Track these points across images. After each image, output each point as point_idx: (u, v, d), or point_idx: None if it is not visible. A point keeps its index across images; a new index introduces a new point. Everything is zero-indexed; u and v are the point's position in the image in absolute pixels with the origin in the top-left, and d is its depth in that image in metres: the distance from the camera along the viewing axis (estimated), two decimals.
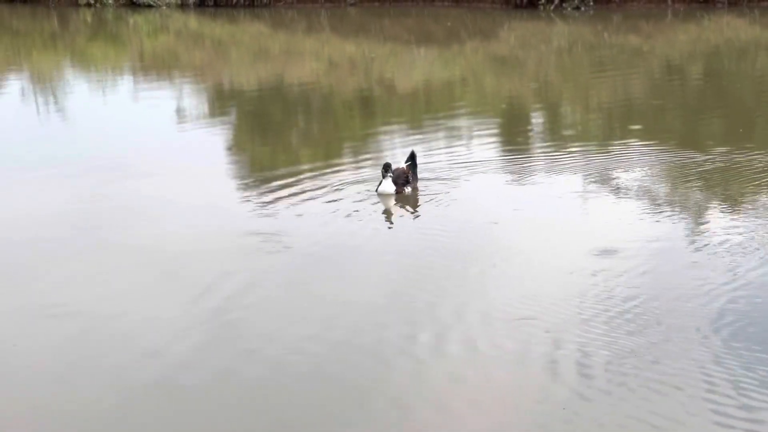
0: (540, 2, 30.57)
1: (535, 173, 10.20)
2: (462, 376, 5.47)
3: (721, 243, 7.60)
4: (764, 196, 9.17)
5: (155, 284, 7.02)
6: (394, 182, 9.15)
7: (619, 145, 11.81)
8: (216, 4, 33.05)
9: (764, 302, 6.37)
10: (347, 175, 10.07)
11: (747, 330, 5.90)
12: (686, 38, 24.89)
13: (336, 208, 8.75)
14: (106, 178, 10.03)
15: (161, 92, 17.44)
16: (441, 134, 12.96)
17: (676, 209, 8.75)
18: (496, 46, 24.02)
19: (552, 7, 30.38)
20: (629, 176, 9.95)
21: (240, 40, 26.25)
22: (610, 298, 6.46)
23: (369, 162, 10.82)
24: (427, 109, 15.41)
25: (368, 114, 15.27)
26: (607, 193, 9.38)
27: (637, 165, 10.44)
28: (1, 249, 7.86)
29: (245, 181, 10.17)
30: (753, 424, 4.85)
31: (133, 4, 33.14)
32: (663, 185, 9.72)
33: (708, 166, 10.30)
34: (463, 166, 10.44)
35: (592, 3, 30.50)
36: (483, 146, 11.84)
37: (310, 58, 22.43)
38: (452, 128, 13.42)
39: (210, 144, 12.42)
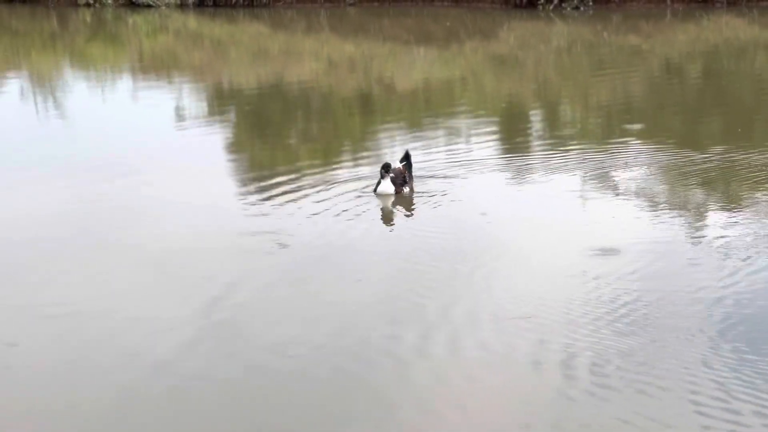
0: (539, 2, 30.56)
1: (533, 173, 10.21)
2: (448, 376, 5.47)
3: (719, 242, 7.61)
4: (762, 195, 9.18)
5: (155, 284, 7.03)
6: (393, 182, 9.15)
7: (618, 144, 11.82)
8: (215, 4, 33.04)
9: (760, 303, 6.38)
10: (347, 175, 10.08)
11: (743, 330, 5.92)
12: (685, 38, 24.90)
13: (335, 208, 8.76)
14: (106, 178, 10.03)
15: (160, 92, 17.44)
16: (440, 134, 12.97)
17: (674, 209, 8.77)
18: (495, 46, 24.03)
19: (551, 7, 30.38)
20: (627, 176, 9.97)
21: (239, 40, 26.25)
22: (606, 299, 6.46)
23: (368, 162, 10.83)
24: (426, 109, 15.41)
25: (367, 114, 15.28)
26: (605, 193, 9.39)
27: (635, 164, 10.46)
28: (1, 249, 7.86)
29: (244, 181, 10.18)
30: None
31: (132, 4, 33.12)
32: (661, 185, 9.73)
33: (706, 166, 10.31)
34: (462, 166, 10.45)
35: (591, 3, 30.51)
36: (482, 146, 11.84)
37: (310, 58, 22.43)
38: (451, 128, 13.43)
39: (209, 144, 12.43)
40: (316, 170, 10.40)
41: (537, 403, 5.13)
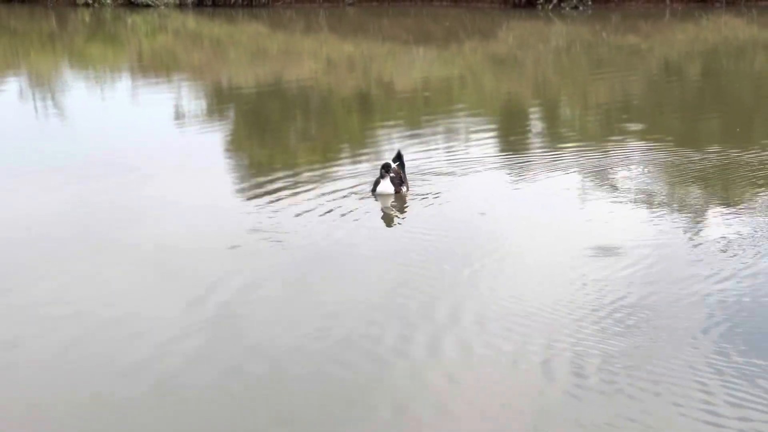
0: (538, 2, 30.59)
1: (532, 172, 10.22)
2: (458, 375, 5.47)
3: (717, 242, 7.62)
4: (761, 195, 9.19)
5: (155, 284, 7.03)
6: (392, 182, 9.16)
7: (617, 144, 11.84)
8: (214, 4, 33.05)
9: (758, 303, 6.39)
10: (346, 175, 10.09)
11: (740, 330, 5.93)
12: (684, 38, 24.93)
13: (334, 207, 8.77)
14: (106, 178, 10.04)
15: (160, 92, 17.45)
16: (439, 133, 12.98)
17: (673, 208, 8.78)
18: (494, 45, 24.04)
19: (550, 7, 30.40)
20: (626, 175, 9.98)
21: (238, 40, 26.26)
22: (604, 298, 6.46)
23: (367, 161, 10.84)
24: (425, 109, 15.42)
25: (366, 114, 15.29)
26: (603, 192, 9.40)
27: (634, 164, 10.47)
28: (1, 249, 7.87)
29: (244, 181, 10.19)
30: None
31: (131, 3, 33.14)
32: (659, 184, 9.74)
33: (705, 165, 10.33)
34: (461, 165, 10.46)
35: (590, 2, 30.53)
36: (481, 145, 11.85)
37: (309, 58, 22.44)
38: (450, 127, 13.44)
39: (209, 143, 12.44)
40: (315, 170, 10.41)
41: (546, 402, 5.14)
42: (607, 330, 5.95)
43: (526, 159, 11.05)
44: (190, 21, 30.46)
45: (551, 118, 14.67)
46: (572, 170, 10.24)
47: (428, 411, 5.09)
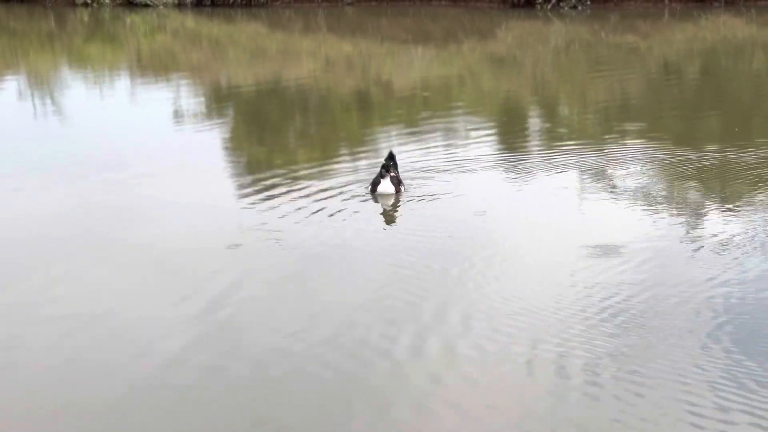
0: (537, 2, 30.60)
1: (530, 172, 10.24)
2: (442, 376, 5.47)
3: (716, 241, 7.63)
4: (760, 194, 9.21)
5: (154, 283, 7.04)
6: (391, 182, 9.18)
7: (616, 143, 11.85)
8: (213, 4, 33.05)
9: (759, 303, 6.40)
10: (345, 175, 10.10)
11: (741, 329, 5.94)
12: (683, 37, 24.94)
13: (334, 207, 8.78)
14: (106, 178, 10.04)
15: (159, 92, 17.46)
16: (437, 133, 12.98)
17: (671, 207, 8.79)
18: (493, 45, 24.05)
19: (549, 7, 30.42)
20: (625, 174, 9.99)
21: (237, 39, 26.26)
22: (602, 298, 6.47)
23: (366, 161, 10.85)
24: (424, 109, 15.43)
25: (365, 113, 15.29)
26: (601, 191, 9.41)
27: (633, 163, 10.48)
28: (1, 249, 7.88)
29: (243, 180, 10.19)
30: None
31: (130, 3, 33.14)
32: (658, 183, 9.75)
33: (703, 164, 10.34)
34: (459, 165, 10.47)
35: (589, 2, 30.55)
36: (479, 145, 11.87)
37: (308, 57, 22.45)
38: (449, 127, 13.45)
39: (208, 143, 12.45)
40: (314, 169, 10.41)
41: (532, 403, 5.14)
42: (607, 330, 5.94)
43: (524, 158, 11.06)
44: (189, 21, 30.46)
45: (550, 117, 14.68)
46: (570, 169, 10.25)
47: (411, 411, 5.08)
